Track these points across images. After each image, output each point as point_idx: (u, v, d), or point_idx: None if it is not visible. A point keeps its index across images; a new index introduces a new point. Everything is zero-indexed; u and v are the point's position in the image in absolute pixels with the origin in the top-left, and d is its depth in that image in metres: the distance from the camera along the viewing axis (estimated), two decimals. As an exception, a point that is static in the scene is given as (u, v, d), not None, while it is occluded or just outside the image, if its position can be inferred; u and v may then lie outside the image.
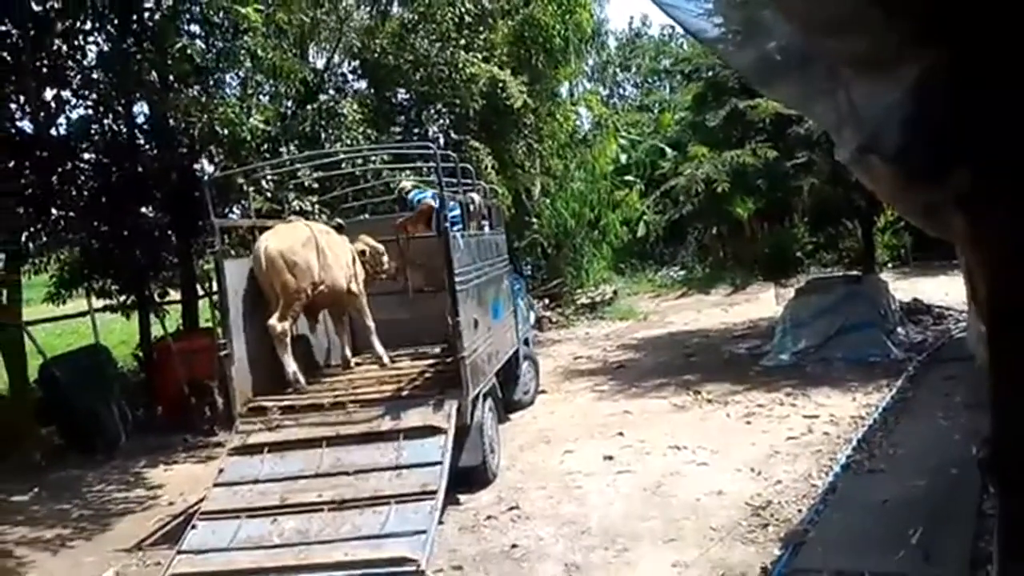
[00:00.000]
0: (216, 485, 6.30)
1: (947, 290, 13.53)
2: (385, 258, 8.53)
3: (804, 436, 7.87)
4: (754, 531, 5.76)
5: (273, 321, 7.15)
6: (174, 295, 11.84)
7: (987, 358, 2.69)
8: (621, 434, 8.51)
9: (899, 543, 5.04)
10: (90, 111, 10.38)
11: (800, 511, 6.00)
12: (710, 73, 13.48)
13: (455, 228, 7.56)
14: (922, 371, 9.81)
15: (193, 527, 5.85)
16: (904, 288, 14.70)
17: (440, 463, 6.05)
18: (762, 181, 12.83)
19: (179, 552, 5.63)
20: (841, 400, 8.98)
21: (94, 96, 10.17)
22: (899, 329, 11.62)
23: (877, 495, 5.99)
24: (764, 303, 16.15)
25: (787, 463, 7.14)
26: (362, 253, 8.37)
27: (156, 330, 11.41)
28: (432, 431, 6.35)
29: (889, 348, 10.73)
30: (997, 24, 1.98)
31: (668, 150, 23.54)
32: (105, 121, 10.54)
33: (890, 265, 19.39)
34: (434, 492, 5.77)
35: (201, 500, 6.40)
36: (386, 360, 8.11)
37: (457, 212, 8.07)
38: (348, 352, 8.42)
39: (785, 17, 2.26)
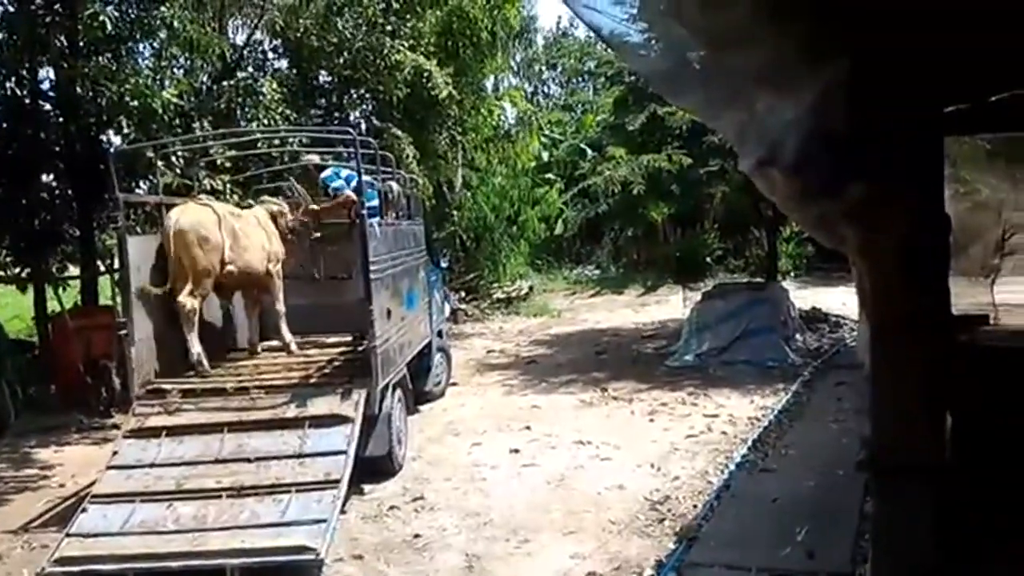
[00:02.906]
0: (110, 468, 6.08)
1: (844, 300, 14.19)
2: (289, 217, 8.24)
3: (703, 435, 8.15)
4: (651, 525, 5.94)
5: (183, 297, 6.96)
6: (73, 270, 11.33)
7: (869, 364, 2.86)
8: (529, 428, 8.63)
9: (786, 540, 5.29)
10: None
11: (695, 507, 6.22)
12: (632, 77, 13.75)
13: (372, 216, 7.48)
14: (817, 376, 10.27)
15: (84, 510, 5.63)
16: (805, 297, 15.34)
17: (345, 452, 6.00)
18: (676, 186, 13.19)
19: (68, 535, 5.41)
20: (740, 401, 9.33)
21: (-4, 58, 9.66)
22: (797, 336, 12.13)
23: (768, 493, 6.26)
24: (673, 305, 16.56)
25: (686, 460, 7.38)
26: (281, 215, 8.14)
27: (52, 306, 10.91)
28: (339, 420, 6.28)
29: (787, 353, 11.19)
30: (889, 44, 2.10)
31: (589, 151, 23.84)
32: (7, 85, 10.01)
33: (793, 274, 20.15)
34: (337, 481, 5.72)
35: (93, 483, 6.18)
36: (293, 347, 7.97)
37: (375, 201, 8.00)
38: (256, 337, 8.24)
39: (689, 30, 2.35)
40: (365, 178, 7.64)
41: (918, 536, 2.58)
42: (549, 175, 23.70)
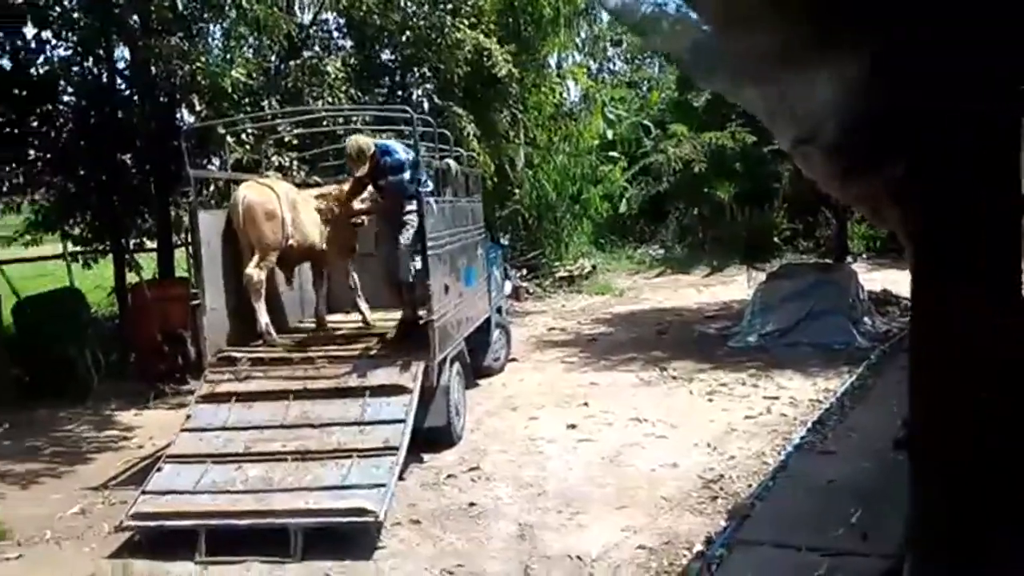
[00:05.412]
0: (183, 430, 6.40)
1: (916, 283, 13.70)
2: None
3: (762, 416, 8.07)
4: (704, 503, 5.95)
5: (250, 270, 7.24)
6: (150, 245, 11.79)
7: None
8: (586, 404, 8.68)
9: (840, 522, 5.22)
10: (70, 52, 10.27)
11: (750, 486, 6.19)
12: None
13: (427, 192, 7.49)
14: (883, 360, 9.97)
15: (159, 469, 5.95)
16: (876, 279, 14.90)
17: (403, 421, 6.17)
18: (739, 164, 12.95)
19: (144, 492, 5.73)
20: (802, 383, 9.17)
21: (75, 38, 10.05)
22: (866, 318, 11.80)
23: (824, 475, 6.17)
24: (739, 286, 16.25)
25: (743, 440, 7.33)
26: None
27: (130, 278, 11.39)
28: (398, 390, 6.46)
29: (854, 336, 10.91)
30: (923, 21, 2.06)
31: (653, 128, 23.50)
32: (85, 64, 10.42)
33: (865, 256, 19.61)
34: (395, 448, 5.90)
35: (168, 444, 6.50)
36: (369, 318, 8.18)
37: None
38: (323, 309, 8.48)
39: (698, 12, 2.33)
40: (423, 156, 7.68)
41: (954, 521, 2.56)
42: (613, 153, 23.45)
